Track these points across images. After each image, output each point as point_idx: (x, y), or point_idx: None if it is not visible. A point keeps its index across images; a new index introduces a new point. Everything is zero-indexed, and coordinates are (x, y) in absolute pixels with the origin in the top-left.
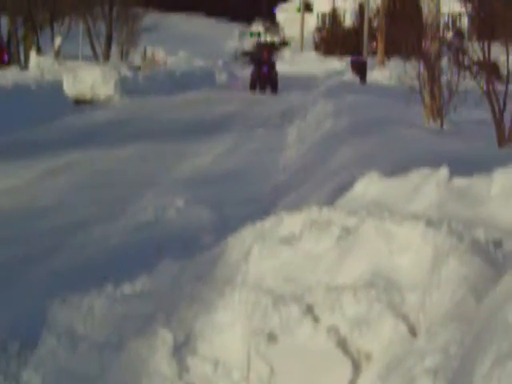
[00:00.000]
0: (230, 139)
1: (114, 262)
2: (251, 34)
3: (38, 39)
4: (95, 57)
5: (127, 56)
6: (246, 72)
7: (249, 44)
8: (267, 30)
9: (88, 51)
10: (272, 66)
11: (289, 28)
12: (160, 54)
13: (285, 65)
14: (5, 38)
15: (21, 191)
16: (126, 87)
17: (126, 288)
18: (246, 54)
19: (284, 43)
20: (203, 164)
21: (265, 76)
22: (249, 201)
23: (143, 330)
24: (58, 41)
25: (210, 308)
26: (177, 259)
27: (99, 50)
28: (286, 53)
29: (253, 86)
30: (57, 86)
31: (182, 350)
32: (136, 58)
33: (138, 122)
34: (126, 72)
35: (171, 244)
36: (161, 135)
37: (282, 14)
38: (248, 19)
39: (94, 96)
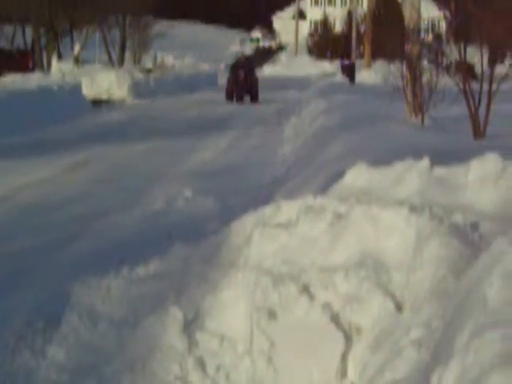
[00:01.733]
0: (232, 135)
1: (130, 246)
2: (251, 40)
3: (58, 47)
4: (110, 62)
5: (139, 61)
6: None
7: (249, 49)
8: (265, 36)
9: (104, 57)
10: (250, 70)
11: (284, 34)
12: (169, 59)
13: (281, 67)
14: (29, 46)
15: (44, 184)
16: (138, 89)
17: (141, 270)
18: (247, 58)
19: (280, 48)
20: (208, 158)
21: (242, 82)
22: (250, 190)
23: (156, 308)
24: (77, 48)
25: (216, 287)
26: (186, 244)
27: (114, 55)
28: (282, 57)
29: (229, 95)
30: (76, 89)
31: (191, 326)
32: (147, 63)
33: (149, 120)
34: (138, 75)
35: (181, 230)
36: (170, 132)
37: (279, 22)
38: (248, 26)
39: (109, 97)
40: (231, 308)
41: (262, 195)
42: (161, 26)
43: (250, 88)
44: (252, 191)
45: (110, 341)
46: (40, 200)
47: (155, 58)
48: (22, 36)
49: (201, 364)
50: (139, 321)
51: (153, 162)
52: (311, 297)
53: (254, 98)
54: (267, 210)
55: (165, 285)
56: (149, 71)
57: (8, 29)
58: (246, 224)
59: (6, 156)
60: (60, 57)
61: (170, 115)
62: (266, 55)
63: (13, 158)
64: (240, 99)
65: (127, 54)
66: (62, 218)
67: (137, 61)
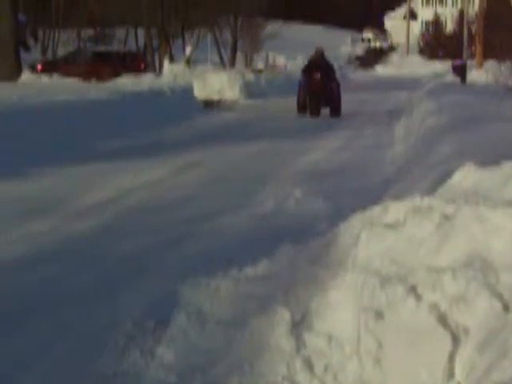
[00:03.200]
0: (342, 136)
1: (238, 247)
2: (362, 40)
3: (170, 48)
4: (222, 63)
5: (251, 62)
6: (359, 74)
7: (361, 49)
8: (376, 36)
9: (216, 58)
10: (328, 71)
11: (396, 34)
12: (280, 60)
13: (393, 67)
14: (142, 49)
15: (156, 186)
16: (249, 90)
17: (249, 271)
18: (358, 58)
19: (391, 48)
20: (317, 159)
21: (318, 88)
22: (359, 191)
23: (264, 309)
24: (188, 49)
25: (323, 288)
26: (294, 244)
27: (225, 56)
28: (393, 57)
29: (301, 106)
30: (188, 90)
31: (299, 326)
32: (259, 64)
33: (260, 122)
34: (249, 76)
35: (289, 231)
36: (280, 134)
37: (390, 22)
38: (359, 27)
39: (221, 98)
40: (339, 308)
41: (372, 196)
42: (272, 26)
43: (329, 96)
44: (362, 192)
45: (218, 341)
46: (152, 201)
47: (267, 59)
48: (134, 38)
49: (308, 364)
50: (247, 321)
51: (265, 162)
52: (418, 297)
53: (335, 111)
54: (375, 211)
55: (272, 285)
56: (260, 72)
57: (121, 31)
58: (353, 224)
59: (122, 157)
60: (172, 59)
61: (281, 116)
62: (377, 55)
63: (128, 159)
64: (315, 112)
65: (238, 55)
66: (172, 218)
67: (248, 62)
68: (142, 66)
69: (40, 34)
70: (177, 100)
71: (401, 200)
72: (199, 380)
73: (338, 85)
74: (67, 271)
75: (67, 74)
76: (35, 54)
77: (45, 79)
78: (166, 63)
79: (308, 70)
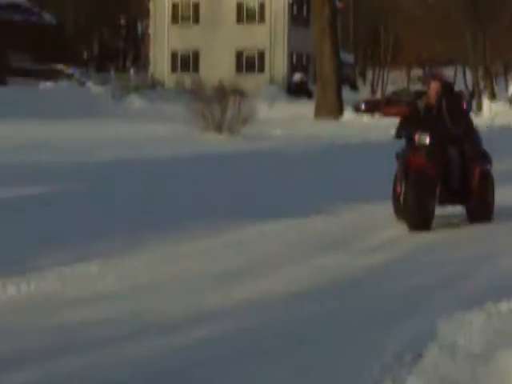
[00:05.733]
0: None
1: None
2: None
3: (492, 88)
4: None
5: None
6: None
7: None
8: None
9: None
10: (464, 136)
11: None
12: None
13: None
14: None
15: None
16: None
17: (503, 305)
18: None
19: None
20: None
21: (430, 169)
22: None
23: None
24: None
25: None
26: None
27: None
28: None
29: (398, 206)
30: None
31: None
32: None
33: None
34: None
35: None
36: None
37: None
38: None
39: None
40: None
41: None
42: None
43: (462, 183)
44: None
45: (465, 373)
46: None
47: None
48: (462, 77)
49: None
50: (494, 355)
51: None
52: None
53: (481, 214)
54: None
55: None
56: None
57: (449, 69)
58: None
59: None
60: (494, 96)
61: None
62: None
63: None
64: (426, 223)
65: None
66: None
67: None
68: (464, 105)
69: (369, 73)
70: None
71: None
72: None
73: (485, 164)
74: (342, 306)
75: (388, 113)
76: (363, 93)
77: (366, 118)
78: (485, 102)
79: (409, 127)
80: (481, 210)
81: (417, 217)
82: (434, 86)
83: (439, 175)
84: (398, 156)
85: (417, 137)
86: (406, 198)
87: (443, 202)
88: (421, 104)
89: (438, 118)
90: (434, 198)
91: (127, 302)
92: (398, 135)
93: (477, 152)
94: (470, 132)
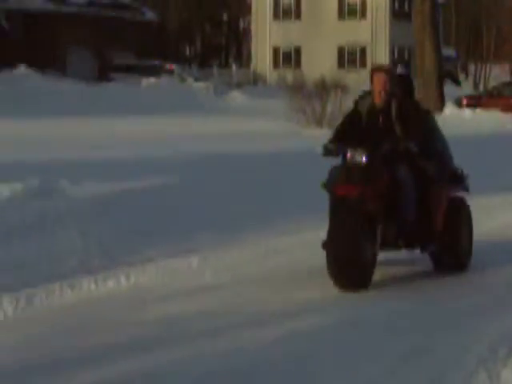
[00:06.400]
0: None
1: None
2: None
3: None
4: None
5: None
6: None
7: None
8: None
9: None
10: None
11: None
12: None
13: None
14: None
15: None
16: None
17: None
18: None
19: None
20: None
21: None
22: None
23: None
24: None
25: None
26: None
27: None
28: None
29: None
30: None
31: None
32: None
33: None
34: None
35: None
36: None
37: None
38: None
39: None
40: None
41: None
42: None
43: (423, 225)
44: None
45: None
46: None
47: None
48: None
49: None
50: None
51: None
52: None
53: (449, 261)
54: None
55: None
56: None
57: None
58: None
59: None
60: None
61: None
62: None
63: None
64: (361, 281)
65: None
66: None
67: None
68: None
69: (471, 68)
70: None
71: None
72: None
73: (454, 190)
74: None
75: (490, 107)
76: (466, 88)
77: (467, 113)
78: None
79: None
80: (449, 255)
81: (346, 272)
82: (379, 81)
83: (381, 208)
84: (327, 182)
85: (349, 154)
86: (331, 242)
87: (390, 246)
88: (363, 106)
89: (384, 126)
90: (373, 242)
91: (226, 295)
92: (327, 151)
93: (442, 172)
94: (433, 144)
